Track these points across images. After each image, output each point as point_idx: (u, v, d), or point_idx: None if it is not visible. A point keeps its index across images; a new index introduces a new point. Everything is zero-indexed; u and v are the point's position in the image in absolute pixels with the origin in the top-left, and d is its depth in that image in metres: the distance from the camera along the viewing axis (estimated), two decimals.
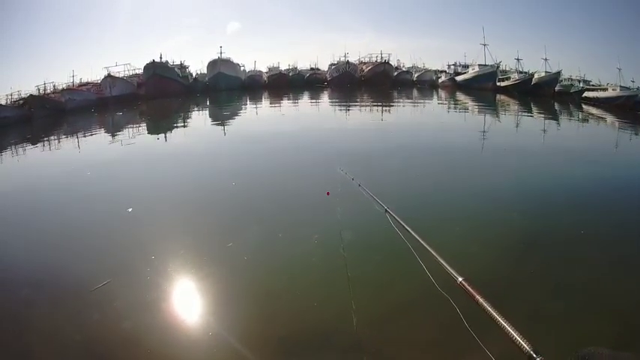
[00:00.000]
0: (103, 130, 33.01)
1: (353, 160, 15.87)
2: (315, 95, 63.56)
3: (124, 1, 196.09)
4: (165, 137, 27.50)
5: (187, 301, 7.30)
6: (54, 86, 53.69)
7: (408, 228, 3.71)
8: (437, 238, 7.49)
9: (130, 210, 11.26)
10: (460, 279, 2.64)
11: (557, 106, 50.86)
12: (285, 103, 53.76)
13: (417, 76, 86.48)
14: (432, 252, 3.12)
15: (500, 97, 61.81)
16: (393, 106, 47.74)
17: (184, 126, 34.31)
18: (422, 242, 3.35)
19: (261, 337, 6.11)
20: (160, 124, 34.40)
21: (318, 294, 7.20)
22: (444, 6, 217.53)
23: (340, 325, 6.19)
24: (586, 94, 57.47)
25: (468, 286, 2.55)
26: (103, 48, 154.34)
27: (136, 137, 28.00)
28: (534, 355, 1.90)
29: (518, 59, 76.77)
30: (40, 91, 49.66)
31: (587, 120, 39.59)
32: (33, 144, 26.70)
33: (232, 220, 10.64)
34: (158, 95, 60.52)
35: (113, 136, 28.92)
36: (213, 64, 73.16)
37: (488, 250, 8.68)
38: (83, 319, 6.75)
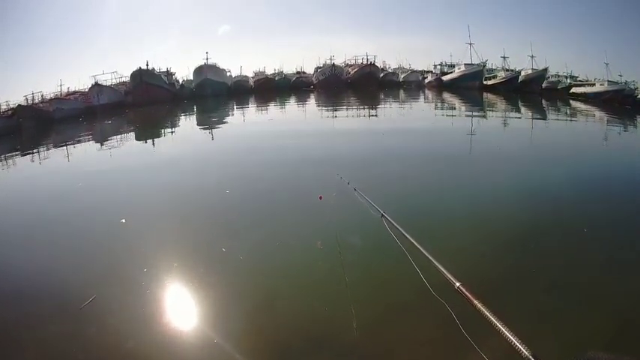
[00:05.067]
0: (92, 140, 32.70)
1: (347, 164, 15.81)
2: (302, 99, 63.56)
3: (109, 9, 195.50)
4: (156, 145, 27.36)
5: (184, 313, 7.17)
6: (42, 96, 53.40)
7: (404, 233, 3.75)
8: (434, 241, 7.53)
9: (123, 221, 11.19)
10: (458, 284, 2.69)
11: (545, 103, 51.20)
12: (273, 107, 53.65)
13: (404, 77, 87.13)
14: (429, 257, 3.17)
15: (487, 95, 62.05)
16: (381, 108, 47.80)
17: (173, 134, 34.11)
18: (419, 247, 3.40)
19: (263, 344, 6.10)
20: (149, 132, 34.13)
21: (317, 299, 7.15)
22: (429, 5, 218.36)
23: (340, 330, 6.19)
24: (574, 89, 58.21)
25: (465, 291, 2.60)
26: (90, 57, 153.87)
27: (126, 146, 27.76)
28: None
29: (504, 57, 77.76)
30: (29, 101, 49.31)
31: (577, 115, 39.83)
32: (22, 154, 26.51)
33: (227, 229, 10.51)
34: (145, 103, 60.24)
35: (103, 145, 28.60)
36: (199, 70, 72.93)
37: (487, 253, 8.63)
38: (76, 339, 6.52)
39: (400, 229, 3.86)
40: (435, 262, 3.04)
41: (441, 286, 3.06)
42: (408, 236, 3.65)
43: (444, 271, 2.88)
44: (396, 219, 4.13)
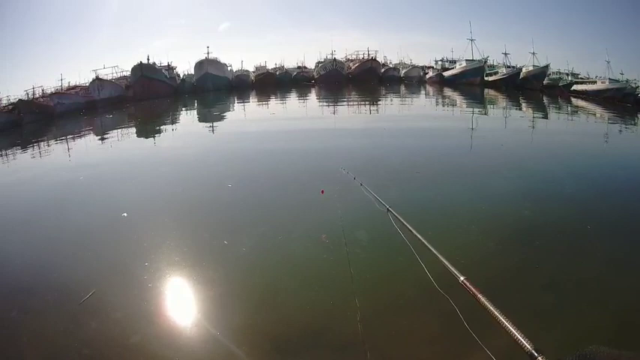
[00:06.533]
0: (93, 134, 32.67)
1: (351, 159, 15.87)
2: (303, 94, 63.59)
3: (111, 3, 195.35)
4: (157, 140, 27.29)
5: (186, 306, 7.16)
6: (42, 90, 53.21)
7: (410, 227, 3.77)
8: (439, 236, 7.56)
9: (124, 215, 11.18)
10: (462, 278, 2.71)
11: (546, 100, 51.13)
12: (274, 102, 53.54)
13: (405, 73, 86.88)
14: (434, 251, 3.20)
15: (488, 91, 62.05)
16: (383, 103, 47.74)
17: (175, 128, 34.02)
18: (424, 241, 3.42)
19: (267, 337, 6.11)
20: (150, 127, 34.08)
21: (322, 292, 7.18)
22: (431, 1, 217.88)
23: (345, 323, 6.19)
24: (575, 87, 58.09)
25: (469, 285, 2.62)
26: (90, 51, 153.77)
27: (128, 140, 27.81)
28: (535, 354, 1.95)
29: (505, 53, 77.47)
30: (29, 96, 49.16)
31: (578, 113, 39.85)
32: (23, 149, 26.48)
33: (230, 223, 10.51)
34: (146, 97, 60.38)
35: (104, 139, 28.59)
36: (200, 65, 73.05)
37: (491, 249, 8.64)
38: (75, 334, 6.47)
39: (406, 223, 3.87)
40: (439, 257, 3.07)
41: (445, 281, 3.09)
42: (413, 231, 3.67)
43: (449, 266, 2.90)
44: (401, 214, 4.14)
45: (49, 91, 53.58)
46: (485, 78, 71.82)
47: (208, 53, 73.18)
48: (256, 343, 5.98)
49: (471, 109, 40.24)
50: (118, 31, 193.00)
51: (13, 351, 6.36)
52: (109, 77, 63.75)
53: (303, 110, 42.22)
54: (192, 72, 76.60)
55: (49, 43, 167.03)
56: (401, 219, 4.02)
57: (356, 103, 47.27)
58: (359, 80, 77.77)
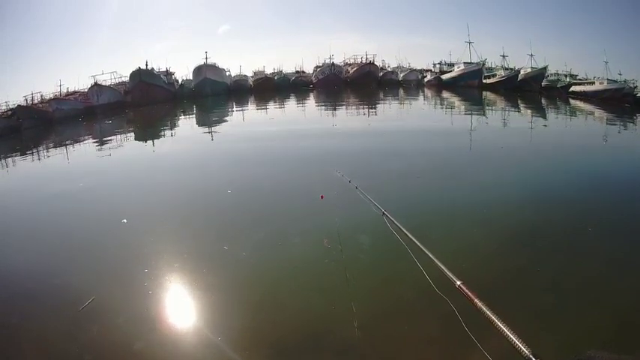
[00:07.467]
0: (92, 140, 32.62)
1: (348, 162, 15.79)
2: (301, 98, 63.40)
3: (110, 4, 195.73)
4: (156, 146, 27.28)
5: (187, 312, 7.12)
6: (41, 96, 53.62)
7: (405, 231, 3.76)
8: (435, 240, 7.55)
9: (124, 221, 11.15)
10: (458, 282, 2.72)
11: (545, 102, 51.20)
12: (272, 107, 53.47)
13: (403, 76, 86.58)
14: (430, 255, 3.20)
15: (486, 94, 61.91)
16: (381, 107, 47.71)
17: (174, 134, 34.02)
18: (420, 246, 3.41)
19: (265, 342, 6.09)
20: (149, 132, 34.07)
21: (319, 297, 7.16)
22: (429, 4, 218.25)
23: (341, 327, 6.19)
24: (573, 88, 58.00)
25: (466, 290, 2.62)
26: (90, 53, 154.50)
27: (127, 146, 27.73)
28: (533, 359, 1.96)
29: (503, 56, 77.51)
30: (28, 102, 49.45)
31: (577, 114, 39.88)
32: (22, 155, 26.49)
33: (229, 229, 10.46)
34: (145, 102, 60.46)
35: (103, 145, 28.49)
36: (198, 70, 72.99)
37: (489, 251, 8.59)
38: (75, 342, 6.42)
39: (401, 227, 3.87)
40: (436, 261, 3.07)
41: (443, 283, 3.08)
42: (409, 234, 3.66)
43: (445, 270, 2.90)
44: (397, 217, 4.14)
45: (47, 97, 53.80)
46: (484, 80, 71.62)
47: (207, 58, 73.16)
48: (256, 348, 5.97)
49: (470, 112, 40.22)
50: (117, 33, 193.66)
51: (13, 357, 6.35)
52: (108, 83, 64.13)
53: (301, 115, 42.09)
54: (191, 77, 76.57)
55: (49, 45, 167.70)
56: (396, 222, 4.02)
57: (354, 107, 47.18)
58: (357, 84, 77.91)
